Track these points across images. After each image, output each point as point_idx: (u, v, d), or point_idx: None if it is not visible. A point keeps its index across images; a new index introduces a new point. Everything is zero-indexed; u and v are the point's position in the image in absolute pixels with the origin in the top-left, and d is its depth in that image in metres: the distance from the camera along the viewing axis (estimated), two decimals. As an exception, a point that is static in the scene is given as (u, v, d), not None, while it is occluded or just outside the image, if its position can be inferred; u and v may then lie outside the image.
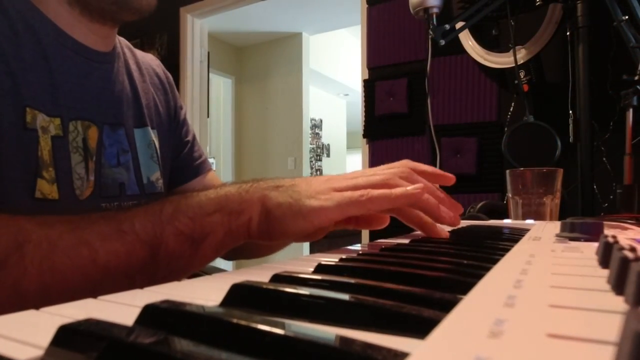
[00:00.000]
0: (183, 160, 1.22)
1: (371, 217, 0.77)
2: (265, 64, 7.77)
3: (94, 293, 0.55)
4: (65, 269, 0.54)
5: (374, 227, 0.77)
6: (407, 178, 0.72)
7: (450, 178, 0.83)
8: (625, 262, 0.29)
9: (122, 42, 1.12)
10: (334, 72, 8.70)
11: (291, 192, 0.65)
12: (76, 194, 0.89)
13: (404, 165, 0.80)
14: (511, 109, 2.70)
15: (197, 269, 0.65)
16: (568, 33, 2.13)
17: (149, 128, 1.09)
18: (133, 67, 1.11)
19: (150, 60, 1.21)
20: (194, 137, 1.28)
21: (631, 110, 1.62)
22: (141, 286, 0.59)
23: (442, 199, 0.79)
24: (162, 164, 1.12)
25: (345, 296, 0.30)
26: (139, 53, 1.18)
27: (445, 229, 0.77)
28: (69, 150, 0.89)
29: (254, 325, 0.23)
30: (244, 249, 1.07)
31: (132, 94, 1.07)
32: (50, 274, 0.54)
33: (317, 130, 9.27)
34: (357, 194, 0.65)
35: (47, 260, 0.54)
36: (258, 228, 0.64)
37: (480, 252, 0.55)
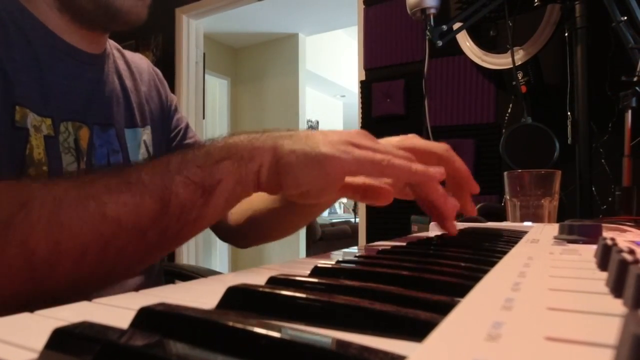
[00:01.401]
0: (177, 148, 1.21)
1: (379, 191, 0.75)
2: (261, 65, 7.78)
3: (106, 250, 0.54)
4: (74, 223, 0.53)
5: (379, 203, 0.74)
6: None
7: (476, 188, 0.83)
8: (624, 265, 0.29)
9: (111, 43, 1.13)
10: (331, 74, 8.71)
11: (306, 140, 0.63)
12: None
13: (445, 148, 0.81)
14: (509, 111, 2.71)
15: (210, 222, 0.63)
16: (566, 34, 2.13)
17: (140, 128, 1.10)
18: (122, 67, 1.12)
19: (138, 59, 1.23)
20: (187, 125, 1.28)
21: (630, 111, 1.62)
22: (153, 242, 0.58)
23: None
24: None
25: (341, 299, 0.29)
26: (127, 53, 1.20)
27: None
28: (59, 151, 0.90)
29: (249, 328, 0.23)
30: (261, 227, 1.06)
31: (122, 94, 1.08)
32: (58, 230, 0.52)
33: (313, 132, 9.28)
34: (378, 156, 0.63)
35: (54, 216, 0.53)
36: (268, 177, 0.62)
37: (478, 254, 0.55)
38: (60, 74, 0.94)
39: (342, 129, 0.70)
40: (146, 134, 1.11)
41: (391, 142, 0.80)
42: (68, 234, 0.53)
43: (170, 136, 1.22)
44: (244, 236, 1.12)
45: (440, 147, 0.81)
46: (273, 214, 1.01)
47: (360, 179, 0.74)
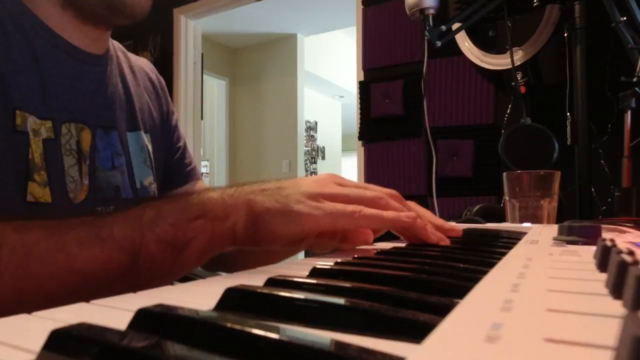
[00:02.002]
0: (174, 166, 1.22)
1: (358, 234, 0.74)
2: (259, 65, 7.78)
3: (70, 299, 0.55)
4: (41, 274, 0.54)
5: (359, 245, 0.75)
6: (399, 200, 0.72)
7: (458, 232, 0.81)
8: (623, 266, 0.29)
9: (115, 45, 1.12)
10: (329, 74, 8.70)
11: (278, 196, 0.64)
12: (70, 197, 0.89)
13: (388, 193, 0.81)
14: (508, 111, 2.71)
15: (180, 275, 0.63)
16: (566, 34, 2.14)
17: (142, 132, 1.08)
18: (126, 70, 1.11)
19: (143, 64, 1.21)
20: (185, 144, 1.28)
21: (629, 112, 1.62)
22: (122, 292, 0.59)
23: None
24: (155, 168, 1.11)
25: (340, 300, 0.29)
26: (132, 57, 1.18)
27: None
28: (61, 153, 0.89)
29: (248, 329, 0.23)
30: (236, 262, 1.07)
31: (125, 97, 1.07)
32: (24, 280, 0.53)
33: (312, 133, 9.27)
34: (350, 207, 0.64)
35: (22, 266, 0.53)
36: (244, 233, 0.63)
37: (477, 255, 0.55)
38: (62, 74, 0.92)
39: (316, 177, 0.70)
40: (148, 141, 1.10)
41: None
42: (34, 284, 0.53)
43: (170, 150, 1.21)
44: (213, 264, 1.14)
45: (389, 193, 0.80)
46: (249, 252, 1.03)
47: None
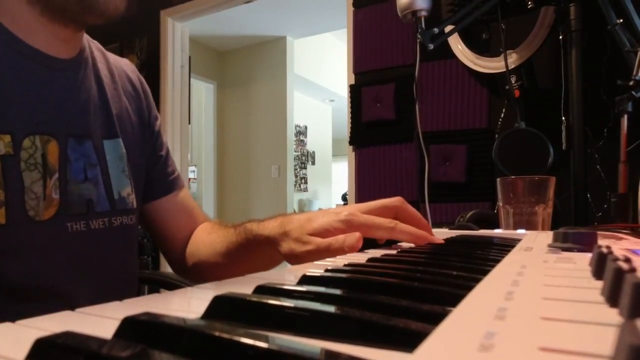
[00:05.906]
0: (155, 175, 1.16)
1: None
2: (248, 68, 7.79)
3: None
4: None
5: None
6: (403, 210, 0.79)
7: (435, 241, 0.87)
8: (619, 274, 0.29)
9: (92, 45, 1.06)
10: (319, 77, 8.73)
11: None
12: (29, 216, 0.85)
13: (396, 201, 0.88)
14: (502, 115, 2.71)
15: None
16: (561, 37, 2.14)
17: (120, 139, 1.03)
18: (104, 72, 1.05)
19: (124, 64, 1.16)
20: (167, 152, 1.22)
21: (625, 116, 1.62)
22: None
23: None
24: (134, 177, 1.05)
25: (330, 308, 0.29)
26: (112, 57, 1.12)
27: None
28: (19, 170, 0.84)
29: (236, 338, 0.22)
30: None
31: (100, 102, 1.01)
32: None
33: (301, 137, 9.30)
34: None
35: None
36: None
37: (470, 262, 0.55)
38: (26, 83, 0.88)
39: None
40: (125, 148, 1.04)
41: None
42: None
43: (152, 157, 1.16)
44: (186, 272, 1.18)
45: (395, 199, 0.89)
46: (214, 267, 1.09)
47: None
